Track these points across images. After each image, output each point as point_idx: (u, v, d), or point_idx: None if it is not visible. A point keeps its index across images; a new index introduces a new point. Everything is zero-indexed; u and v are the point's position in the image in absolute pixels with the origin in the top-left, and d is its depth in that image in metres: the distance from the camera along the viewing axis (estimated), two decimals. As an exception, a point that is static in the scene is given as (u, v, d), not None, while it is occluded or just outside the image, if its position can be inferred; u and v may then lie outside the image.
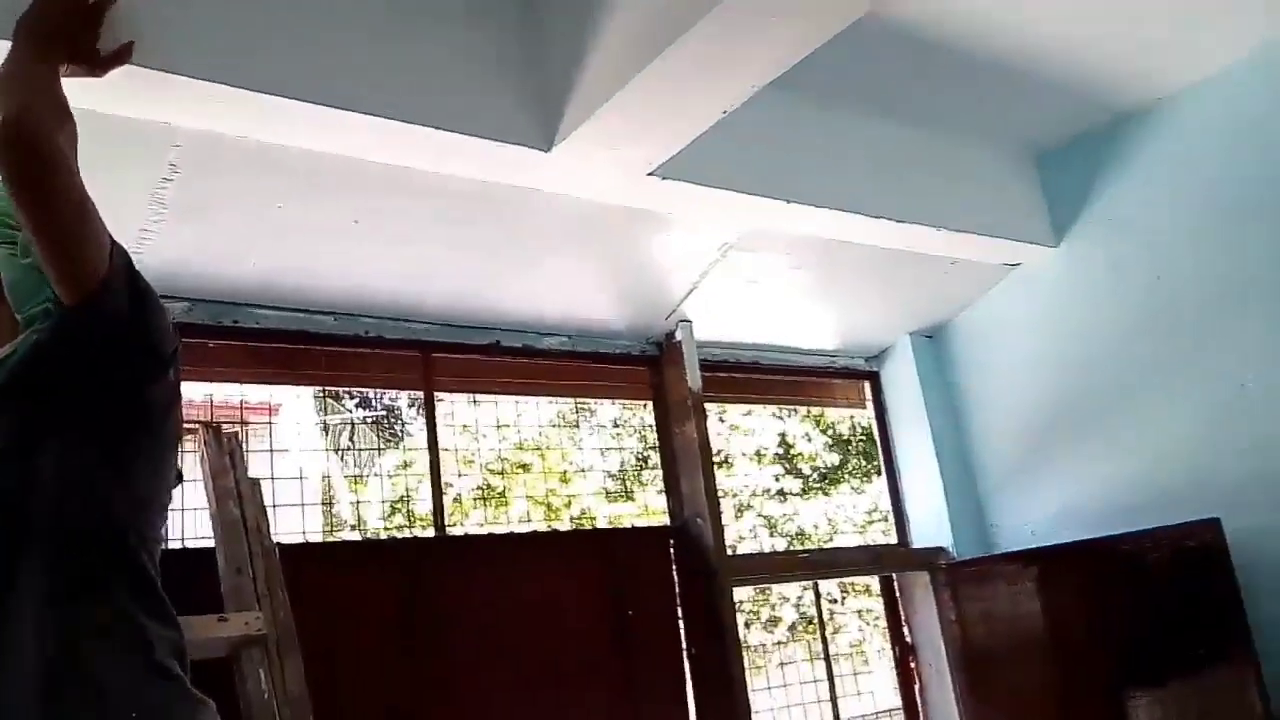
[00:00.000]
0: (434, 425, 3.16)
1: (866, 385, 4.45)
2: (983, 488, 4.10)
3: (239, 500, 2.51)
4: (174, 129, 2.27)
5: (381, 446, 10.14)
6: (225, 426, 2.67)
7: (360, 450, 9.88)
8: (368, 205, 2.74)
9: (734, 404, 6.79)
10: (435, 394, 3.21)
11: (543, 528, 3.78)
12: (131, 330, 1.40)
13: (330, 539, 6.22)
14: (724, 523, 3.53)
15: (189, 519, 2.68)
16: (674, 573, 3.48)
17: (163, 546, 1.51)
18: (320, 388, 8.60)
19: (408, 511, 8.76)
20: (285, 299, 2.92)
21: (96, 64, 1.76)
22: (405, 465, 9.22)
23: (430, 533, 3.08)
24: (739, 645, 3.37)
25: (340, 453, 9.78)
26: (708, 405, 3.65)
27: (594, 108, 2.50)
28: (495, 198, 2.83)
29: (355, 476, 9.97)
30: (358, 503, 9.36)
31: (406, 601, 2.87)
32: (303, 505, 3.09)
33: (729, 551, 3.53)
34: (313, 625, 2.45)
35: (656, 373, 3.75)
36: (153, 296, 1.44)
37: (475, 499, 8.54)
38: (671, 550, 3.49)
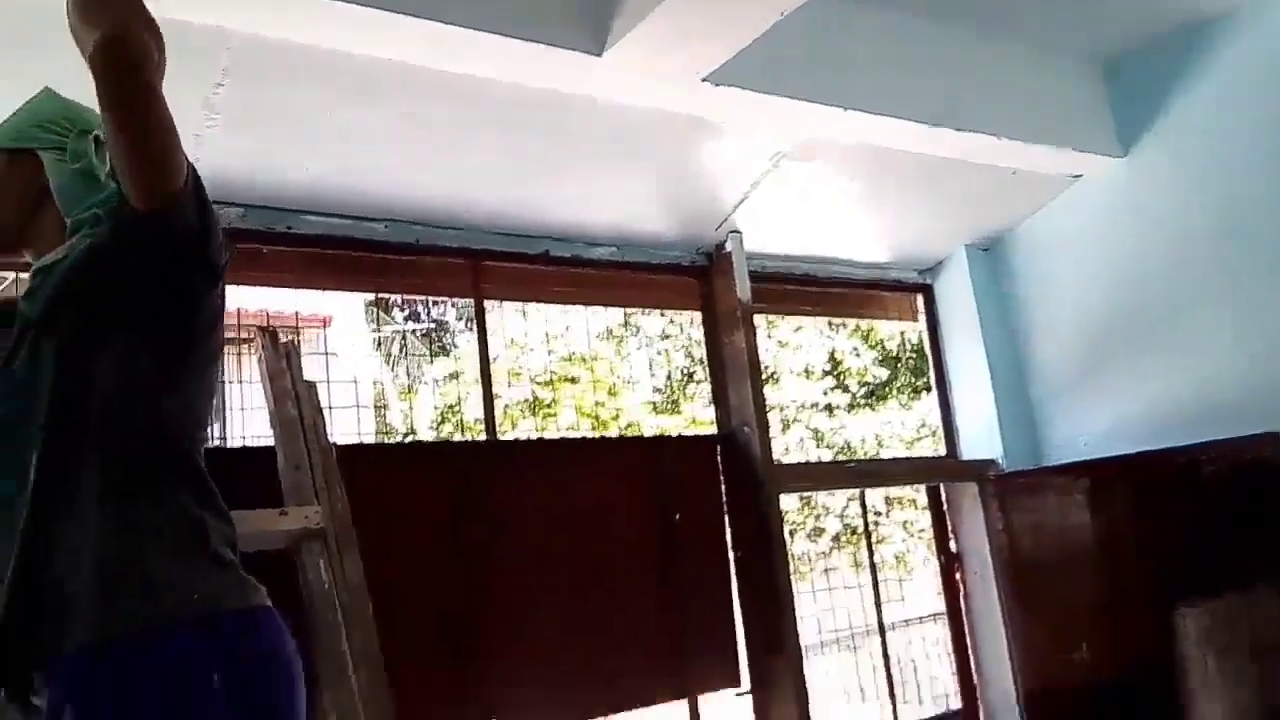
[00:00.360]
0: (484, 332, 3.19)
1: (919, 298, 4.40)
2: (1035, 400, 4.07)
3: (296, 401, 2.57)
4: (226, 33, 2.27)
5: (431, 357, 10.27)
6: (281, 332, 2.72)
7: (411, 359, 10.02)
8: (420, 111, 2.73)
9: (783, 316, 6.75)
10: (484, 302, 3.24)
11: (592, 435, 3.81)
12: (198, 244, 1.42)
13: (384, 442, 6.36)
14: (771, 436, 3.55)
15: (248, 418, 2.76)
16: (721, 481, 3.52)
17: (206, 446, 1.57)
18: (371, 296, 8.73)
19: (458, 420, 8.93)
20: (337, 205, 2.94)
21: None
22: (454, 375, 9.37)
23: (481, 438, 3.13)
24: (785, 550, 3.42)
25: (391, 363, 9.94)
26: (756, 320, 3.64)
27: (646, 11, 2.45)
28: (547, 104, 2.80)
29: (406, 387, 10.15)
30: (409, 411, 9.55)
31: (457, 503, 2.94)
32: (357, 408, 3.17)
33: (776, 462, 3.55)
34: (367, 524, 2.52)
35: (706, 283, 3.74)
36: (214, 212, 1.46)
37: (523, 410, 8.66)
38: (719, 459, 3.53)
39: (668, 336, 9.66)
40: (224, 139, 2.53)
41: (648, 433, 7.65)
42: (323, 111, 2.61)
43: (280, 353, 2.62)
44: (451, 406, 9.03)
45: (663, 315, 9.30)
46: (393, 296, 10.16)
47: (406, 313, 10.68)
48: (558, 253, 3.41)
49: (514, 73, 2.62)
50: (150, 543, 1.36)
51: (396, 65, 2.50)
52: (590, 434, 7.85)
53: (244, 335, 3.05)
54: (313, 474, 2.47)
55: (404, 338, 10.43)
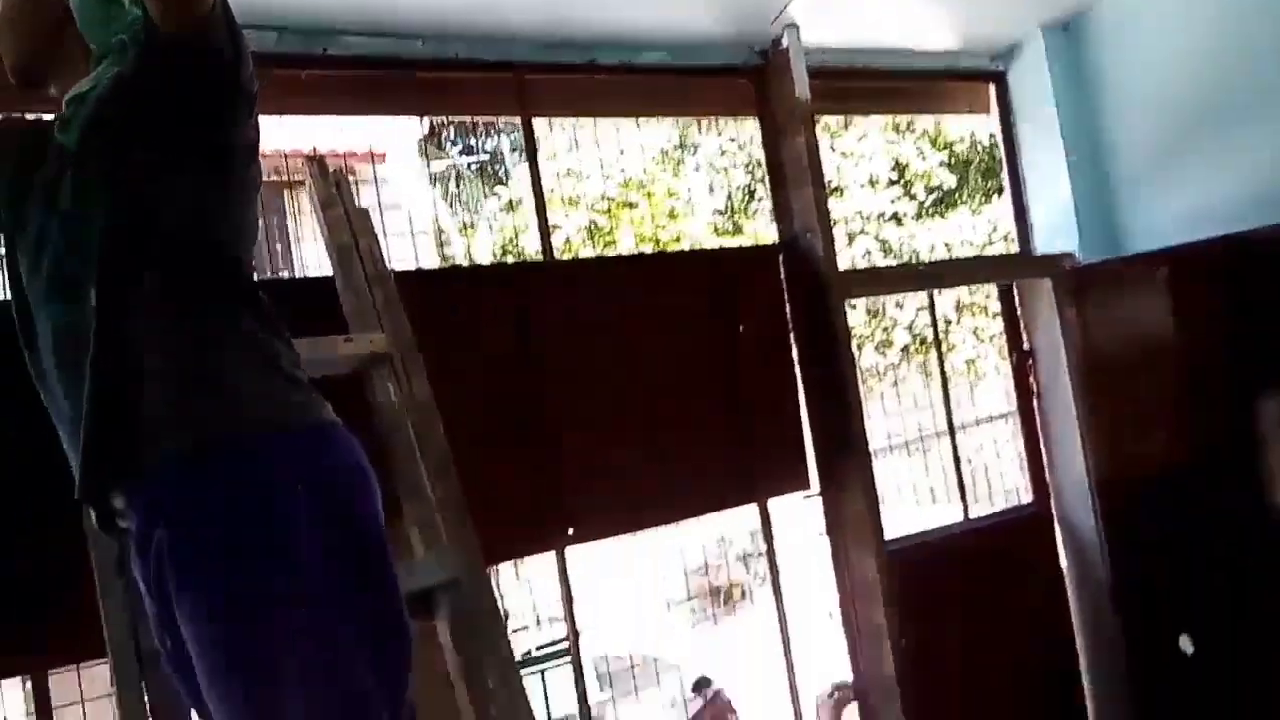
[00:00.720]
0: (534, 150, 3.10)
1: (991, 88, 4.14)
2: (1114, 188, 3.86)
3: (350, 228, 2.55)
4: None
5: (486, 190, 10.20)
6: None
7: (467, 192, 9.97)
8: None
9: (846, 115, 6.44)
10: (532, 118, 3.13)
11: (650, 252, 3.74)
12: (230, 70, 1.38)
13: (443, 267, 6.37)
14: (836, 249, 3.45)
15: (307, 250, 2.76)
16: (784, 290, 3.47)
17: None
18: (424, 131, 8.61)
19: (518, 252, 8.94)
20: (374, 24, 2.82)
21: None
22: (511, 206, 9.32)
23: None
24: (851, 353, 3.39)
25: (448, 198, 9.90)
26: (817, 130, 3.46)
27: None
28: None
29: (464, 223, 10.15)
30: (469, 246, 9.58)
31: (520, 324, 2.95)
32: (413, 242, 3.16)
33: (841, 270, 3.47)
34: (431, 349, 2.53)
35: (762, 84, 3.55)
36: (241, 33, 1.41)
37: (583, 239, 8.62)
38: (782, 268, 3.46)
39: (725, 152, 9.40)
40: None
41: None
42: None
43: (330, 181, 2.58)
44: (511, 240, 9.02)
45: (719, 134, 9.01)
46: (445, 130, 10.04)
47: (460, 146, 10.54)
48: (605, 60, 3.25)
49: None
50: (225, 355, 1.38)
51: None
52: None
53: (297, 178, 3.01)
54: (373, 300, 2.48)
55: (457, 172, 10.35)
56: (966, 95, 4.17)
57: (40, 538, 2.14)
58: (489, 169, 10.47)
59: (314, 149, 3.02)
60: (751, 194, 9.30)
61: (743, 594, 8.47)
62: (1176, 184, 3.65)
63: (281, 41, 2.71)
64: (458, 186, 10.18)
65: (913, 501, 3.85)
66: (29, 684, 2.35)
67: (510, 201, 9.42)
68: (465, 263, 9.21)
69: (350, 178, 2.94)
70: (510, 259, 8.84)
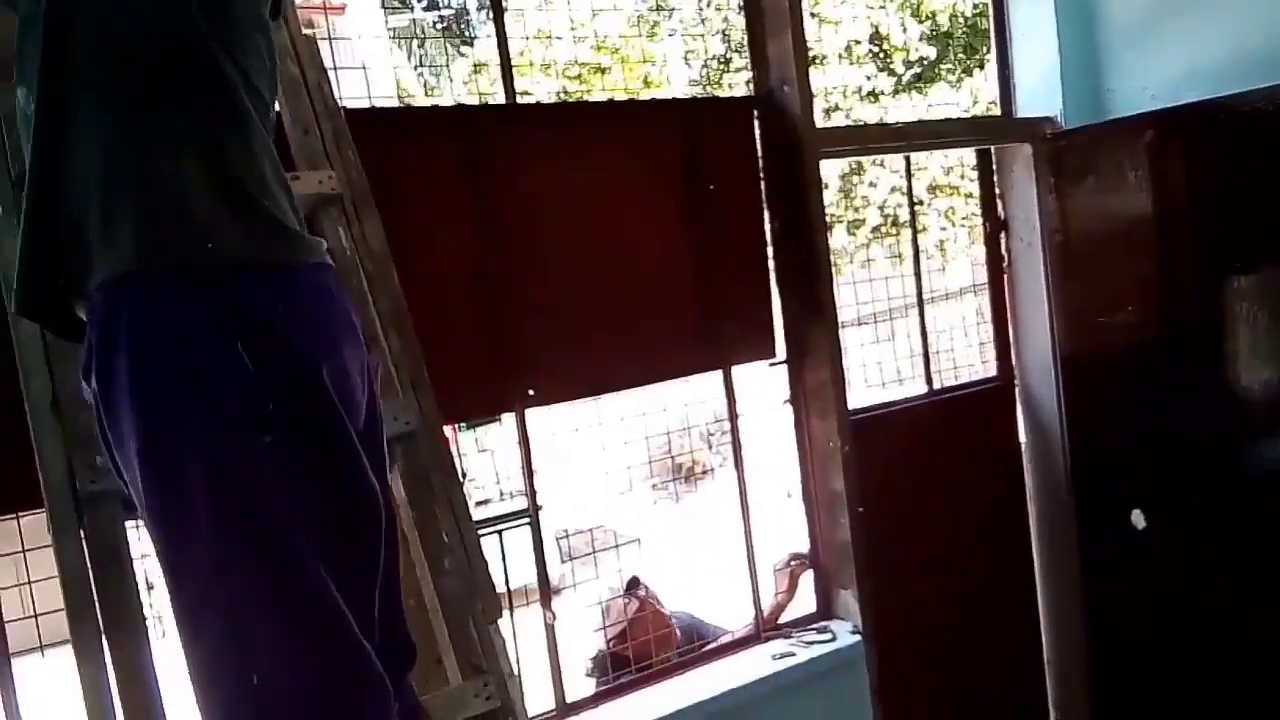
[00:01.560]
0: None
1: (979, -58, 3.93)
2: (1102, 51, 3.70)
3: (296, 58, 2.37)
4: None
5: (452, 51, 9.78)
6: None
7: (431, 51, 9.57)
8: None
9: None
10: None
11: (619, 99, 3.55)
12: None
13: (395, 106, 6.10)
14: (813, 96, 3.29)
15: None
16: (758, 147, 3.33)
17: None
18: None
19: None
20: None
21: None
22: (478, 68, 8.95)
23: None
24: (824, 216, 3.29)
25: (411, 56, 9.51)
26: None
27: None
28: None
29: (428, 86, 9.77)
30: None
31: (477, 169, 2.79)
32: (371, 100, 2.95)
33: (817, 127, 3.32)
34: (380, 193, 2.39)
35: (741, -76, 3.34)
36: None
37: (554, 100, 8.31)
38: (756, 122, 3.31)
39: (703, 17, 9.03)
40: None
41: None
42: None
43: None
44: (482, 97, 8.69)
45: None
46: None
47: (424, 2, 10.07)
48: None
49: None
50: (152, 171, 1.22)
51: None
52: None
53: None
54: (322, 137, 2.32)
55: (422, 30, 9.91)
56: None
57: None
58: (454, 27, 10.02)
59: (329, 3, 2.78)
60: (727, 63, 9.00)
61: (704, 471, 8.58)
62: (1165, 45, 3.51)
63: None
64: (421, 45, 9.76)
65: (878, 381, 3.81)
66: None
67: (476, 64, 9.05)
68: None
69: (308, 29, 2.72)
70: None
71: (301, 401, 1.24)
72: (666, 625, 3.40)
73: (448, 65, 9.48)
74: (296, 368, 1.25)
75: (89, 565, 1.65)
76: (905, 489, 3.52)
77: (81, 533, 1.67)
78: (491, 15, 2.91)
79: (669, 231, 3.14)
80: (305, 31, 2.45)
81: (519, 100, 2.91)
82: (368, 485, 1.30)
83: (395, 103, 8.31)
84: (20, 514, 2.29)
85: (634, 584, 3.50)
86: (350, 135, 2.38)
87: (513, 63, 2.89)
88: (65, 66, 1.22)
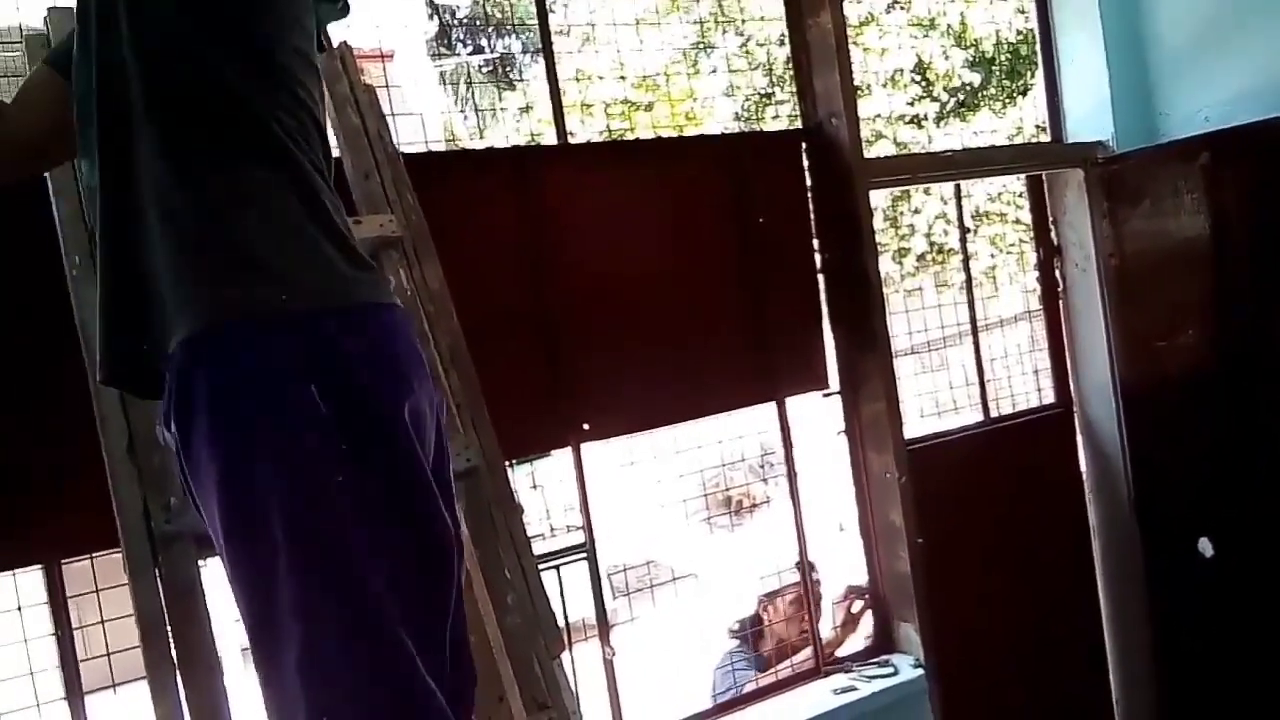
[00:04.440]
0: (547, 27, 2.94)
1: (1024, -32, 3.94)
2: (1154, 72, 3.67)
3: (357, 107, 2.45)
4: None
5: (499, 94, 9.96)
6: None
7: (478, 93, 9.73)
8: None
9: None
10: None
11: (666, 135, 3.58)
12: None
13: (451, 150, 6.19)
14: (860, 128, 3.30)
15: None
16: (806, 179, 3.35)
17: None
18: (434, 29, 8.35)
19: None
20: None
21: None
22: (526, 110, 9.08)
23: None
24: (874, 246, 3.28)
25: (458, 99, 9.68)
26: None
27: None
28: None
29: (477, 128, 9.94)
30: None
31: (530, 209, 2.85)
32: (426, 144, 3.01)
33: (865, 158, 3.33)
34: (437, 233, 2.44)
35: (785, -39, 3.38)
36: None
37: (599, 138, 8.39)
38: (804, 155, 3.33)
39: (745, 51, 9.10)
40: None
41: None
42: None
43: (334, 55, 2.47)
44: (531, 141, 8.80)
45: (739, 32, 8.72)
46: (455, 29, 9.77)
47: (470, 46, 10.27)
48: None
49: None
50: (228, 224, 1.24)
51: None
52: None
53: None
54: (383, 182, 2.38)
55: (468, 73, 10.09)
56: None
57: (50, 426, 2.10)
58: (500, 70, 10.20)
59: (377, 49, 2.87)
60: (769, 96, 9.03)
61: (756, 503, 8.49)
62: (1220, 67, 3.47)
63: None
64: (469, 89, 9.94)
65: (933, 411, 3.78)
66: (43, 574, 2.33)
67: (523, 106, 9.19)
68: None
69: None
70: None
71: (379, 441, 1.25)
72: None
73: (494, 108, 9.64)
74: (374, 409, 1.26)
75: (164, 604, 1.69)
76: (965, 519, 3.47)
77: (157, 572, 1.72)
78: (540, 57, 2.97)
79: (720, 265, 3.16)
80: (364, 81, 2.53)
81: (568, 140, 2.95)
82: (441, 524, 1.31)
83: (445, 145, 8.49)
84: (95, 554, 2.36)
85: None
86: (408, 179, 2.44)
87: (560, 92, 2.94)
88: (122, 135, 1.25)
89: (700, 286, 3.12)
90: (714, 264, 3.15)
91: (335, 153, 2.43)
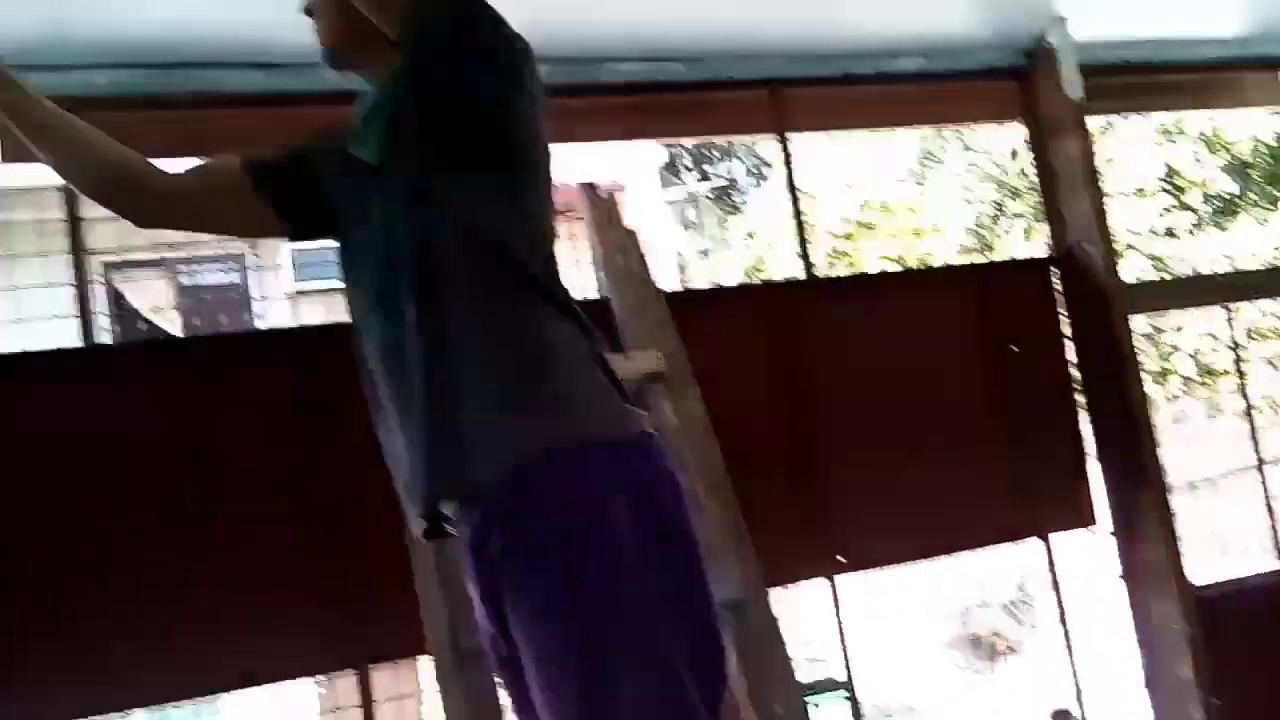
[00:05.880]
0: (790, 166, 3.06)
1: (1293, 76, 3.71)
2: None
3: (622, 250, 2.62)
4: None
5: (724, 217, 10.30)
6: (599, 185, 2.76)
7: (705, 219, 10.08)
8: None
9: (1121, 112, 5.87)
10: (787, 134, 3.10)
11: (914, 268, 3.59)
12: (466, 50, 1.38)
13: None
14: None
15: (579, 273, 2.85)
16: (1058, 306, 3.24)
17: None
18: (664, 160, 8.80)
19: (762, 280, 8.92)
20: (637, 50, 2.90)
21: None
22: (751, 234, 9.33)
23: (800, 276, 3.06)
24: (1139, 374, 3.10)
25: (686, 226, 10.07)
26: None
27: None
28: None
29: (703, 250, 10.27)
30: (709, 272, 9.67)
31: (782, 342, 2.92)
32: (657, 268, 3.18)
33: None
34: (696, 366, 2.54)
35: (1027, 87, 3.34)
36: (484, 13, 1.41)
37: (826, 262, 8.47)
38: (1055, 281, 3.23)
39: (975, 166, 8.98)
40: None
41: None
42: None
43: (602, 205, 2.67)
44: (754, 266, 9.01)
45: (966, 147, 8.65)
46: (683, 158, 10.26)
47: (697, 175, 10.73)
48: (858, 70, 3.17)
49: None
50: (547, 365, 1.38)
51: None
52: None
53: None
54: (647, 320, 2.53)
55: (696, 200, 10.51)
56: (1262, 85, 3.75)
57: (364, 543, 2.32)
58: (726, 195, 10.57)
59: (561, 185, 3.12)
60: (1002, 208, 8.83)
61: (1010, 647, 7.88)
62: None
63: (553, 73, 2.82)
64: (695, 213, 10.34)
65: (1218, 552, 3.44)
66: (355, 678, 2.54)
67: (750, 231, 9.45)
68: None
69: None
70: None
71: (678, 552, 1.36)
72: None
73: (721, 232, 9.98)
74: (669, 523, 1.36)
75: (470, 713, 1.82)
76: (1269, 675, 3.09)
77: (462, 686, 1.85)
78: (763, 180, 3.07)
79: (973, 395, 3.08)
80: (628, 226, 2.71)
81: (810, 253, 3.00)
82: (717, 622, 1.40)
83: (676, 271, 8.81)
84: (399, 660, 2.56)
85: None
86: (670, 316, 2.57)
87: (802, 218, 3.01)
88: (437, 297, 1.38)
89: (953, 417, 3.04)
90: (967, 394, 3.08)
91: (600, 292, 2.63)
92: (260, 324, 8.35)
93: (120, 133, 1.58)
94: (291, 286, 8.15)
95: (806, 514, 2.81)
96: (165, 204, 1.61)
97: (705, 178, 10.78)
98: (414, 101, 1.41)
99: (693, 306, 2.86)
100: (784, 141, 3.06)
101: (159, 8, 2.45)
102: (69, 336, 2.58)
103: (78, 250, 2.58)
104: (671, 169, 10.46)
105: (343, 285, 1.55)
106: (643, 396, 2.42)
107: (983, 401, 3.09)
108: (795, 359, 2.90)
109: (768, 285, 3.03)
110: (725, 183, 10.64)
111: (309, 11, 1.54)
